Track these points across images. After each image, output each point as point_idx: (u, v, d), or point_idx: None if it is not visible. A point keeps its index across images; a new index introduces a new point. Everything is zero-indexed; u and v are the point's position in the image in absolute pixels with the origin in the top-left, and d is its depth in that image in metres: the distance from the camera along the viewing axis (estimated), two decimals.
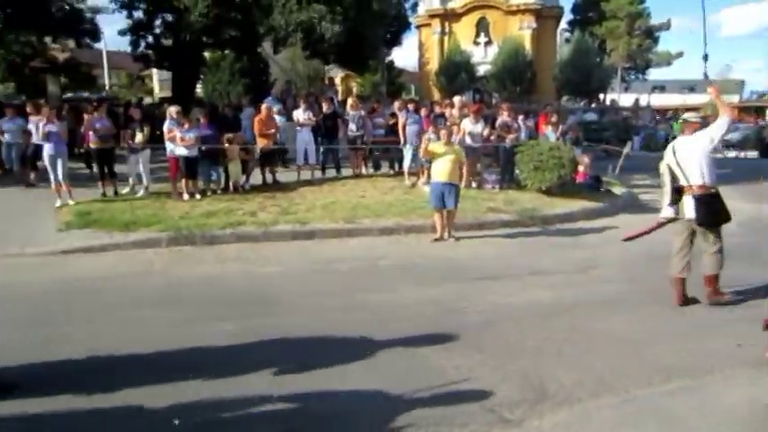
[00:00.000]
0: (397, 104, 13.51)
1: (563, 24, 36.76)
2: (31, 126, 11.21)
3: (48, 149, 9.99)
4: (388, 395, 3.84)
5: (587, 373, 4.15)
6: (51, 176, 10.09)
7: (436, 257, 7.70)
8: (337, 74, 39.30)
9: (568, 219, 9.96)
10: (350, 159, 13.16)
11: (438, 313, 5.43)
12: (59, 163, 9.99)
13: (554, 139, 12.30)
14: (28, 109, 11.96)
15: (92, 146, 10.90)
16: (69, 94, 26.00)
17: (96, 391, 3.82)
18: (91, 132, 10.71)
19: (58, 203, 9.93)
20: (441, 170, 8.41)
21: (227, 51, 24.41)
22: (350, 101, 13.80)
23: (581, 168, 12.14)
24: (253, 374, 4.11)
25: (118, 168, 10.98)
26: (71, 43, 23.94)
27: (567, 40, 34.33)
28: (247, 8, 17.50)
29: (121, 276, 6.76)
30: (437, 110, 13.43)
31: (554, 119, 13.21)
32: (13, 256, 7.44)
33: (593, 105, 27.00)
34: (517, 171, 11.67)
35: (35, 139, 10.79)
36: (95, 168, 11.26)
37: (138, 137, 10.68)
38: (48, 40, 22.27)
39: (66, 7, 20.23)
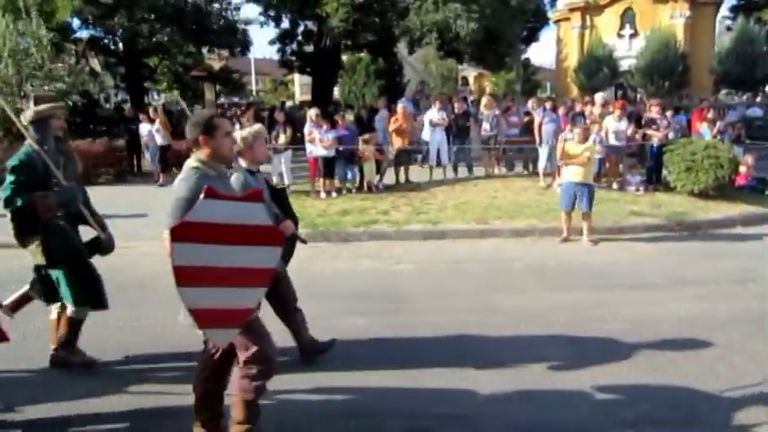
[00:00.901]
0: (531, 103, 13.10)
1: (723, 11, 33.24)
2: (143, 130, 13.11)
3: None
4: (516, 400, 3.74)
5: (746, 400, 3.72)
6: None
7: (571, 261, 7.35)
8: (471, 73, 39.01)
9: (725, 224, 9.01)
10: (482, 159, 12.99)
11: (573, 320, 5.17)
12: None
13: (709, 136, 11.20)
14: (149, 115, 13.74)
15: None
16: (222, 100, 28.49)
17: None
18: None
19: None
20: (574, 170, 8.07)
21: (363, 54, 25.27)
22: (483, 100, 13.62)
23: (743, 169, 10.95)
24: (380, 370, 4.21)
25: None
26: (225, 53, 26.15)
27: (729, 28, 31.01)
28: (384, 12, 17.95)
29: None
30: (577, 107, 12.81)
31: (710, 115, 12.04)
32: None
33: (758, 99, 24.11)
34: (665, 172, 10.78)
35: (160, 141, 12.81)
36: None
37: (282, 138, 11.38)
38: (205, 51, 24.57)
39: (222, 21, 22.19)
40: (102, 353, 4.46)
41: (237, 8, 23.15)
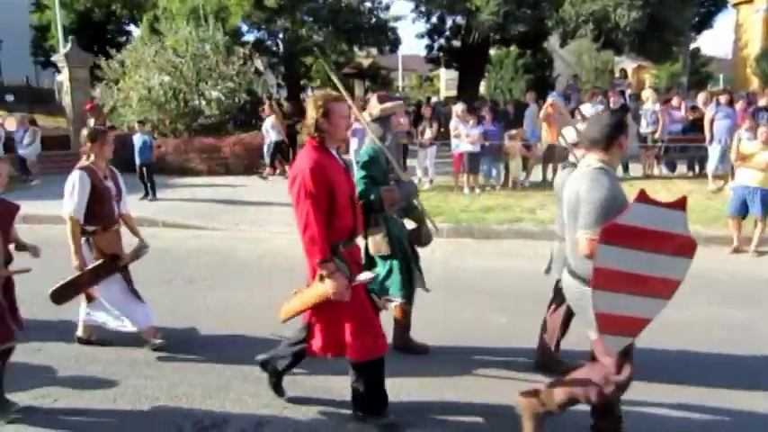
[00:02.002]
0: (701, 97, 11.89)
1: None
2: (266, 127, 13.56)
3: (354, 144, 11.47)
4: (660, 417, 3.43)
5: None
6: (355, 167, 11.56)
7: (740, 273, 6.58)
8: (629, 65, 36.33)
9: None
10: (640, 158, 12.06)
11: (740, 340, 4.62)
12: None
13: None
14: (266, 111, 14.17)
15: None
16: (368, 96, 29.49)
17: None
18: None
19: None
20: (751, 173, 7.20)
21: (512, 48, 24.66)
22: (643, 94, 12.64)
23: None
24: (523, 372, 4.09)
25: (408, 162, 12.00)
26: (374, 51, 26.98)
27: None
28: (537, 3, 17.31)
29: None
30: (760, 102, 11.38)
31: None
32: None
33: None
34: None
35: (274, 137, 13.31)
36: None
37: (428, 133, 11.50)
38: (356, 49, 25.56)
39: (373, 20, 22.90)
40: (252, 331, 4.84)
41: (388, 6, 23.73)
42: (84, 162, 4.47)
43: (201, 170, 14.19)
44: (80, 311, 4.65)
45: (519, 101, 17.39)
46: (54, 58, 17.78)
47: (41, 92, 27.33)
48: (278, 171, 13.63)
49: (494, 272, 6.84)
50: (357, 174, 4.08)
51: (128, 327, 4.52)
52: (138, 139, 11.51)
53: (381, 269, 4.16)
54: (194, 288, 6.24)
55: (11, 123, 14.51)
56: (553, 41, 22.19)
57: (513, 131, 11.29)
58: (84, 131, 4.59)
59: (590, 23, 16.26)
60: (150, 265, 5.30)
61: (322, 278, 3.23)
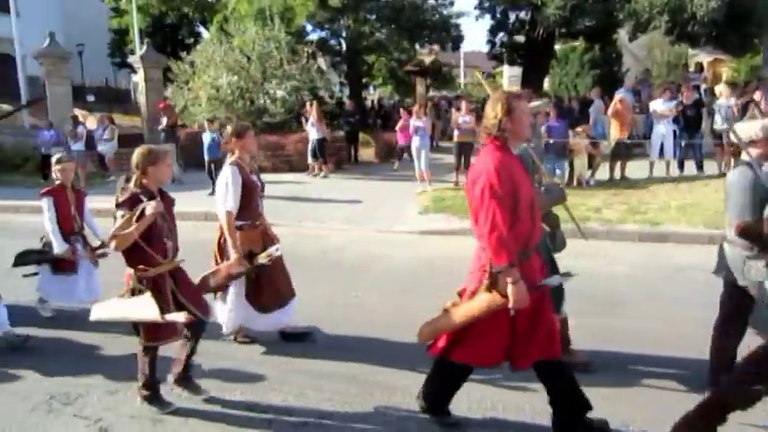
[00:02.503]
0: None
1: None
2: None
3: (415, 142, 11.48)
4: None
5: None
6: (416, 165, 11.54)
7: None
8: (704, 58, 34.52)
9: None
10: (716, 155, 11.45)
11: None
12: (423, 154, 11.39)
13: None
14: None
15: (455, 139, 11.96)
16: (431, 93, 29.35)
17: None
18: (456, 127, 11.79)
19: (419, 189, 11.32)
20: None
21: (578, 43, 23.95)
22: (716, 88, 11.99)
23: None
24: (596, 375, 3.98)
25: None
26: (436, 48, 26.87)
27: None
28: None
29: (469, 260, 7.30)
30: None
31: None
32: (383, 232, 8.79)
33: None
34: None
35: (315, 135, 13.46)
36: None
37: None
38: (418, 46, 25.52)
39: (436, 17, 22.81)
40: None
41: (452, 2, 23.57)
42: (232, 157, 4.48)
43: (266, 167, 14.54)
44: (217, 311, 4.56)
45: (584, 97, 16.86)
46: (130, 59, 18.72)
47: (118, 92, 28.88)
48: (321, 169, 13.96)
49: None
50: None
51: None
52: (206, 137, 11.94)
53: None
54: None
55: (91, 122, 15.40)
56: (622, 35, 21.37)
57: (579, 128, 10.97)
58: (229, 128, 4.66)
59: (664, 14, 15.54)
60: (207, 257, 5.45)
61: (491, 287, 3.04)
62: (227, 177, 4.32)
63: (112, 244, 3.49)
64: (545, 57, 23.05)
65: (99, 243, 5.25)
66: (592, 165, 11.18)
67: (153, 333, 3.52)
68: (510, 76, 40.12)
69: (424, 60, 22.87)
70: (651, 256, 7.18)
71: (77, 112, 16.32)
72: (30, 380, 4.07)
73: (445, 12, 23.34)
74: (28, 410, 3.65)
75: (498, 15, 23.87)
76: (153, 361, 3.60)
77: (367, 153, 17.17)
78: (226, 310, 4.49)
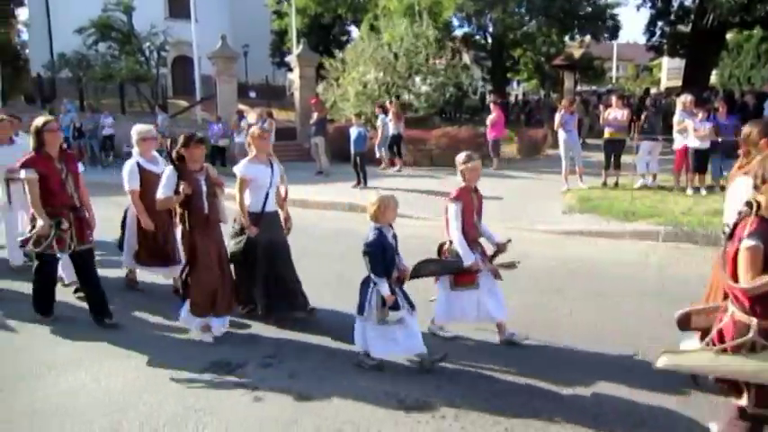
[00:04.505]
0: None
1: None
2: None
3: (564, 137, 11.04)
4: None
5: None
6: (564, 163, 11.08)
7: None
8: None
9: None
10: None
11: None
12: (575, 150, 10.98)
13: None
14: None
15: (605, 136, 11.30)
16: (579, 88, 27.98)
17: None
18: (606, 124, 11.14)
19: (564, 188, 10.88)
20: None
21: (754, 31, 21.44)
22: None
23: None
24: None
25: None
26: (586, 40, 25.58)
27: None
28: None
29: (615, 264, 6.90)
30: None
31: None
32: (525, 230, 8.58)
33: None
34: None
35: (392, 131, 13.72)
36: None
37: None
38: (567, 39, 24.47)
39: (590, 8, 21.68)
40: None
41: None
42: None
43: (408, 161, 14.90)
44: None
45: (761, 92, 15.08)
46: (287, 58, 20.13)
47: (276, 89, 31.16)
48: (398, 166, 13.99)
49: None
50: None
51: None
52: (353, 131, 12.47)
53: None
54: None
55: (251, 116, 16.78)
56: None
57: None
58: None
59: None
60: (349, 247, 5.67)
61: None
62: None
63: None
64: (713, 47, 20.92)
65: (494, 251, 4.59)
66: None
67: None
68: (670, 68, 37.00)
69: (574, 53, 21.89)
70: None
71: (241, 107, 17.89)
72: (200, 347, 4.57)
73: (600, 1, 22.09)
74: (196, 374, 4.10)
75: (660, 3, 22.09)
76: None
77: (509, 149, 16.85)
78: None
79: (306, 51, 18.00)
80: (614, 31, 23.19)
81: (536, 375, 3.99)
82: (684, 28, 22.54)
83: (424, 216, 9.64)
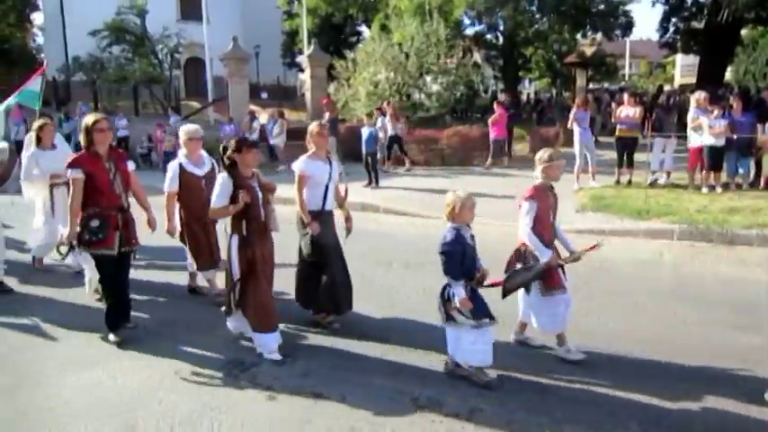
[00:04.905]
0: None
1: None
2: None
3: (579, 135, 10.98)
4: None
5: None
6: (578, 161, 11.00)
7: None
8: None
9: None
10: None
11: None
12: (589, 148, 10.90)
13: None
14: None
15: (617, 134, 11.20)
16: (591, 86, 27.77)
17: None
18: (618, 121, 11.03)
19: (576, 187, 10.81)
20: None
21: None
22: None
23: None
24: None
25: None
26: (598, 37, 25.40)
27: None
28: None
29: (629, 263, 6.85)
30: None
31: None
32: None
33: None
34: None
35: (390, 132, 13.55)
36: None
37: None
38: (579, 36, 24.30)
39: (602, 5, 21.52)
40: None
41: None
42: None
43: (419, 160, 14.89)
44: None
45: None
46: (298, 59, 20.21)
47: (287, 89, 31.29)
48: (406, 165, 13.90)
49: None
50: None
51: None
52: (365, 131, 12.48)
53: None
54: (409, 272, 6.58)
55: (263, 117, 16.87)
56: None
57: None
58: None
59: None
60: (370, 247, 5.71)
61: None
62: None
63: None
64: (729, 43, 20.68)
65: (568, 257, 4.31)
66: None
67: None
68: (683, 65, 36.60)
69: (586, 51, 21.73)
70: None
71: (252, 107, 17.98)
72: (214, 347, 4.60)
73: None
74: (211, 373, 4.13)
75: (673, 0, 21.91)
76: None
77: (521, 148, 16.78)
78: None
79: (317, 52, 18.05)
80: (627, 27, 22.97)
81: (550, 375, 3.98)
82: (698, 24, 22.31)
83: (437, 215, 9.63)
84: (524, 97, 30.51)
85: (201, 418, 3.52)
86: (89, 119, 4.60)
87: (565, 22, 20.55)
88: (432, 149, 15.02)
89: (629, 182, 10.89)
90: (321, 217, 4.76)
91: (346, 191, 5.14)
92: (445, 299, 3.86)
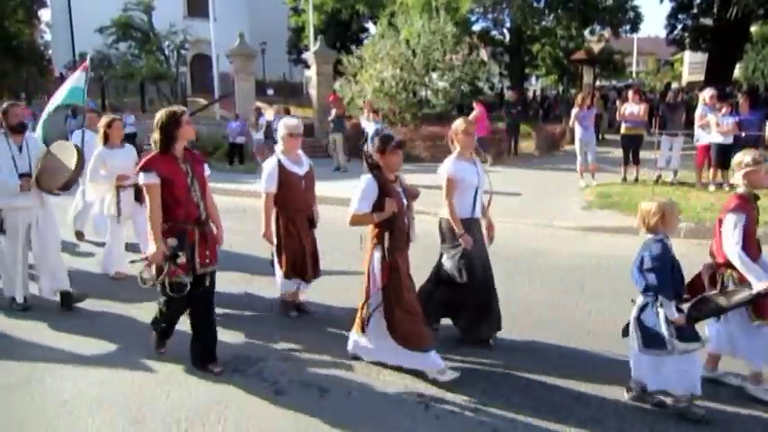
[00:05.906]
0: None
1: None
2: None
3: (579, 134, 10.94)
4: None
5: None
6: (579, 159, 10.99)
7: None
8: None
9: None
10: None
11: None
12: (589, 147, 10.83)
13: None
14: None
15: (622, 131, 11.17)
16: (598, 83, 27.65)
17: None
18: (623, 119, 11.00)
19: (582, 184, 10.79)
20: None
21: None
22: None
23: None
24: None
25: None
26: (606, 34, 25.27)
27: None
28: None
29: None
30: None
31: None
32: (543, 227, 8.54)
33: None
34: None
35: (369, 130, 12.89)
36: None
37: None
38: (587, 33, 24.19)
39: (610, 1, 21.40)
40: None
41: None
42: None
43: (425, 157, 14.87)
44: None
45: None
46: (304, 55, 20.20)
47: (294, 86, 31.30)
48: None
49: None
50: None
51: None
52: (370, 128, 12.49)
53: None
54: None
55: (269, 113, 16.87)
56: None
57: None
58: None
59: None
60: None
61: None
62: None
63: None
64: (737, 40, 20.55)
65: None
66: None
67: None
68: (691, 62, 36.39)
69: (593, 48, 21.67)
70: None
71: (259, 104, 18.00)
72: (221, 342, 4.60)
73: None
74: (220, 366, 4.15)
75: None
76: None
77: (527, 145, 16.75)
78: None
79: (323, 48, 18.04)
80: (635, 23, 22.85)
81: (556, 373, 3.98)
82: (707, 21, 22.16)
83: (444, 213, 9.62)
84: (531, 94, 30.40)
85: (208, 412, 3.54)
86: (163, 114, 3.74)
87: (573, 18, 20.44)
88: (437, 146, 15.00)
89: (636, 179, 10.86)
90: (470, 226, 4.30)
91: (491, 197, 4.61)
92: (644, 323, 3.44)
